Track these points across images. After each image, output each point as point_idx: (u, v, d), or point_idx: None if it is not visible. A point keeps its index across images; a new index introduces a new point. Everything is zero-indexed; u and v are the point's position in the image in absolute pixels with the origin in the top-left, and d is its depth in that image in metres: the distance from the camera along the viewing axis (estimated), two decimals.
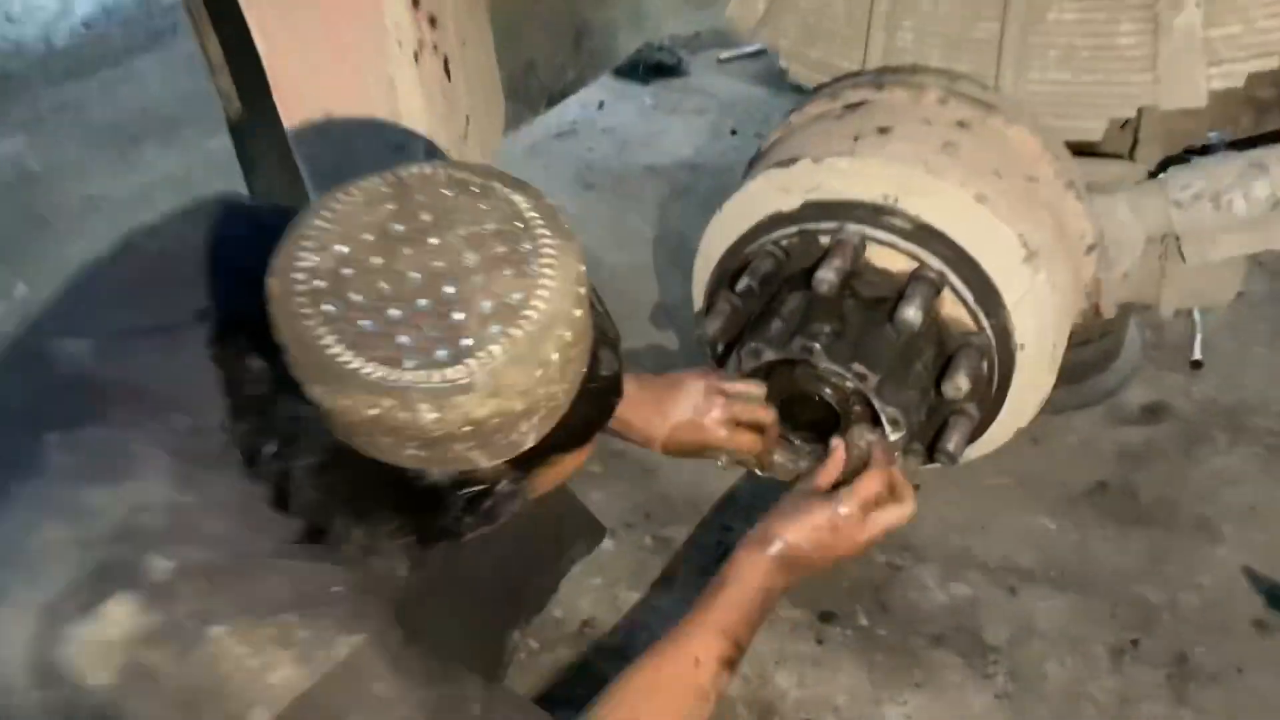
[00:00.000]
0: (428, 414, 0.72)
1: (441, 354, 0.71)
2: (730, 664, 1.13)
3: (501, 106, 1.67)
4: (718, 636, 1.11)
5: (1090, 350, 2.07)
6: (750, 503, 1.96)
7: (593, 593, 1.81)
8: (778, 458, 1.31)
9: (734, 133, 3.14)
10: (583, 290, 0.77)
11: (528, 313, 0.73)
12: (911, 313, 1.16)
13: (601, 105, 3.33)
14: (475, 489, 0.81)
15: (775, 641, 1.72)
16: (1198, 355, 2.18)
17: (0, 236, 2.86)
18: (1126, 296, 1.67)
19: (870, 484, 1.17)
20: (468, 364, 0.72)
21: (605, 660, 1.71)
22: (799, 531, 1.16)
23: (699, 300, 1.45)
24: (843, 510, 1.16)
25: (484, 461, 0.78)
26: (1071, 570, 1.80)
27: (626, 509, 1.96)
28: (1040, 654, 1.68)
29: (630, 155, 3.08)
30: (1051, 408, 1.78)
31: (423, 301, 0.72)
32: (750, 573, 1.16)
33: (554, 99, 2.18)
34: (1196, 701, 1.59)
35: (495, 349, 0.72)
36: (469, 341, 0.72)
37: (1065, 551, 1.83)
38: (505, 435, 0.77)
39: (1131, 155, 1.55)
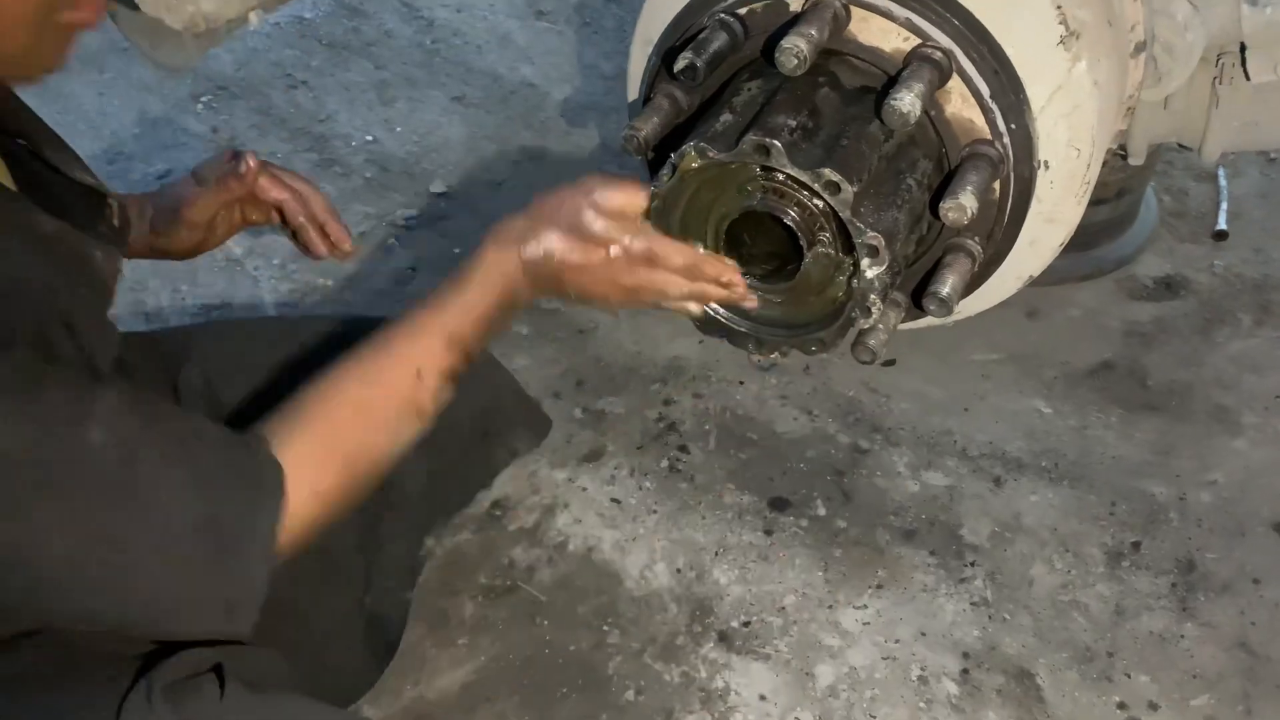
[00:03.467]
0: None
1: None
2: (454, 379, 0.90)
3: None
4: (448, 346, 0.89)
5: (1103, 212, 1.78)
6: (699, 373, 1.68)
7: (508, 468, 1.54)
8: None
9: None
10: None
11: None
12: (907, 102, 0.85)
13: None
14: None
15: (716, 530, 1.47)
16: (1223, 225, 1.91)
17: None
18: (1163, 133, 1.37)
19: (675, 248, 0.90)
20: None
21: (516, 548, 1.45)
22: (571, 248, 0.89)
23: (632, 92, 1.13)
24: (634, 245, 0.88)
25: None
26: (1067, 460, 1.55)
27: (554, 376, 1.69)
28: (1026, 555, 1.44)
29: None
30: (1053, 277, 1.51)
31: None
32: (498, 276, 0.91)
33: None
34: (1204, 614, 1.36)
35: None
36: None
37: (1060, 439, 1.58)
38: None
39: None
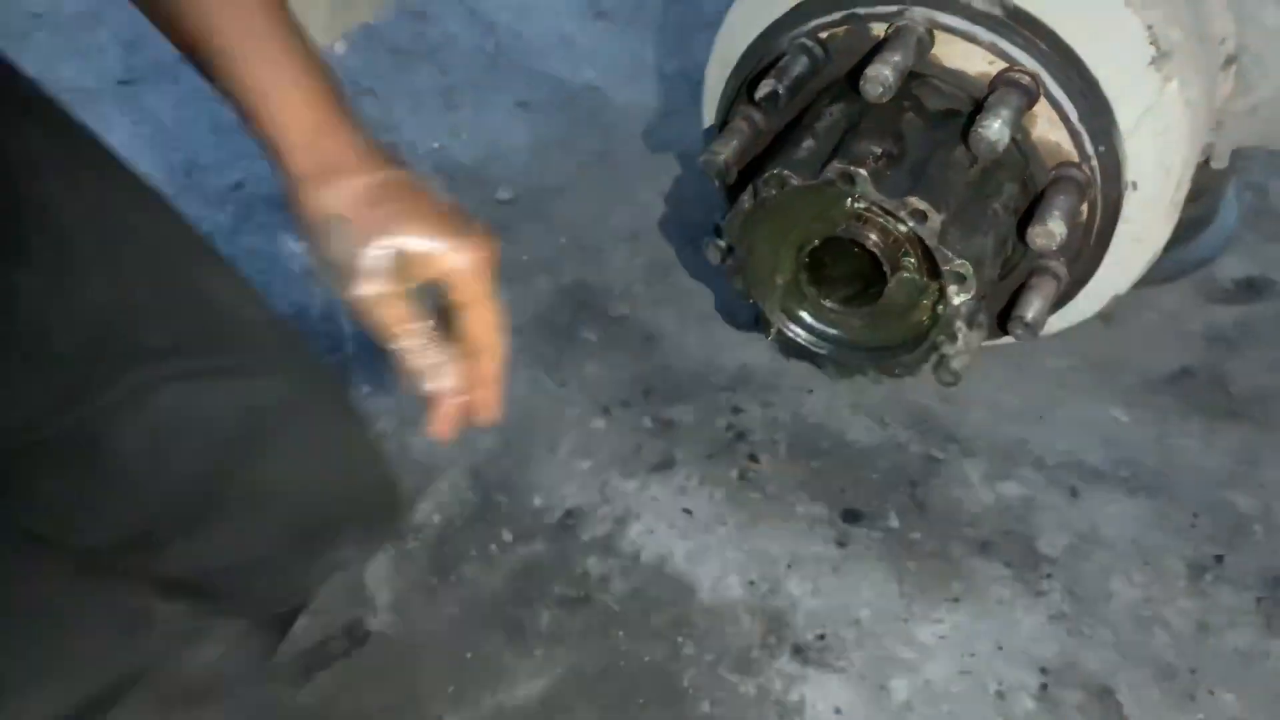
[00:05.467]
0: None
1: None
2: None
3: None
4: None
5: (1184, 212, 1.73)
6: (768, 380, 1.68)
7: (579, 478, 1.56)
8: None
9: None
10: None
11: None
12: (995, 129, 0.84)
13: None
14: None
15: (788, 541, 1.47)
16: None
17: None
18: (1249, 139, 1.34)
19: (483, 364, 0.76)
20: None
21: (590, 557, 1.47)
22: (353, 250, 0.71)
23: (709, 116, 1.13)
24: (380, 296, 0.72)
25: None
26: (1146, 470, 1.52)
27: (623, 383, 1.69)
28: (1105, 568, 1.42)
29: None
30: None
31: None
32: (327, 147, 0.72)
33: None
34: None
35: None
36: None
37: (1139, 448, 1.55)
38: None
39: None
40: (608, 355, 1.74)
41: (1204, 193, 1.76)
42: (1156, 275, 1.81)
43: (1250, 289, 1.78)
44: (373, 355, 1.78)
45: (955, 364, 0.96)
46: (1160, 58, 0.89)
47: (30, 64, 0.82)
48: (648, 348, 1.75)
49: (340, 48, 1.16)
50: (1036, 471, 1.54)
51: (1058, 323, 1.10)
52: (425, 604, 1.41)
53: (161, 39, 0.74)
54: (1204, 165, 1.46)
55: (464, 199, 2.04)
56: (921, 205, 0.84)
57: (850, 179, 0.86)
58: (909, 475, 1.55)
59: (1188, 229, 1.81)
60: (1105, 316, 1.75)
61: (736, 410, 1.65)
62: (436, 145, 2.21)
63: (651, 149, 2.15)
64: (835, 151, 0.88)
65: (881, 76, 0.84)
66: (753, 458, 1.59)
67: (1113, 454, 1.55)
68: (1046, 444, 1.57)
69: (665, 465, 1.58)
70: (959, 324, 0.89)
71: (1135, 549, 1.44)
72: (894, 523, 1.49)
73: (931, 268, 0.89)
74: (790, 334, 1.02)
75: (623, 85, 2.32)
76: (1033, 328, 0.93)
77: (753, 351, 1.72)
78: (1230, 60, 1.06)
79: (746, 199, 0.94)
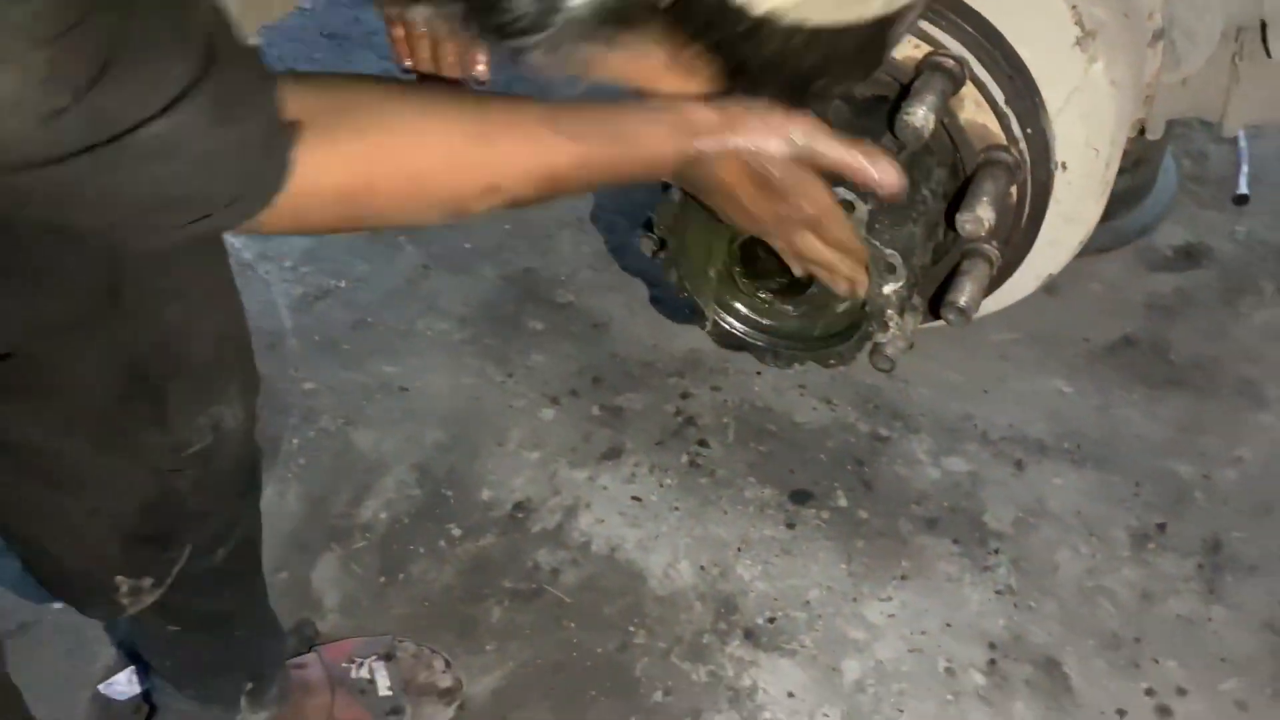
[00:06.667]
0: None
1: None
2: (513, 203, 0.73)
3: None
4: (545, 180, 0.72)
5: (1121, 181, 1.73)
6: (717, 365, 1.67)
7: (527, 470, 1.55)
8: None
9: None
10: None
11: None
12: (920, 115, 0.83)
13: None
14: None
15: (737, 525, 1.47)
16: (1244, 189, 1.87)
17: None
18: (1182, 110, 1.34)
19: (844, 230, 0.81)
20: None
21: (541, 550, 1.46)
22: (744, 188, 0.77)
23: None
24: (809, 209, 0.78)
25: None
26: (1090, 442, 1.54)
27: (571, 372, 1.68)
28: (1051, 541, 1.43)
29: None
30: None
31: None
32: (652, 153, 0.76)
33: None
34: (1232, 596, 1.36)
35: None
36: None
37: (1083, 420, 1.57)
38: None
39: None
40: (555, 344, 1.73)
41: (1141, 163, 1.77)
42: (1096, 245, 1.82)
43: (1189, 257, 1.80)
44: (313, 351, 1.75)
45: (889, 350, 0.96)
46: (1085, 38, 0.88)
47: None
48: (595, 335, 1.74)
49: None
50: (982, 446, 1.55)
51: (993, 304, 1.10)
52: (374, 604, 1.40)
53: None
54: (1139, 136, 1.47)
55: None
56: (849, 195, 0.83)
57: None
58: (856, 454, 1.55)
59: (1126, 198, 1.82)
60: (1048, 289, 1.77)
61: (685, 396, 1.65)
62: None
63: None
64: None
65: None
66: (702, 443, 1.58)
67: (1056, 426, 1.57)
68: (991, 418, 1.58)
69: (614, 453, 1.58)
70: (890, 313, 0.88)
71: (1080, 520, 1.45)
72: (842, 502, 1.50)
73: None
74: (726, 326, 1.01)
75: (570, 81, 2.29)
76: (965, 312, 0.93)
77: (701, 336, 1.69)
78: (1159, 35, 1.06)
79: (676, 190, 0.92)
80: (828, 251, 0.85)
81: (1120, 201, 1.80)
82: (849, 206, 0.85)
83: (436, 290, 1.82)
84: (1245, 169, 1.89)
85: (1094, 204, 0.98)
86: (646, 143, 0.76)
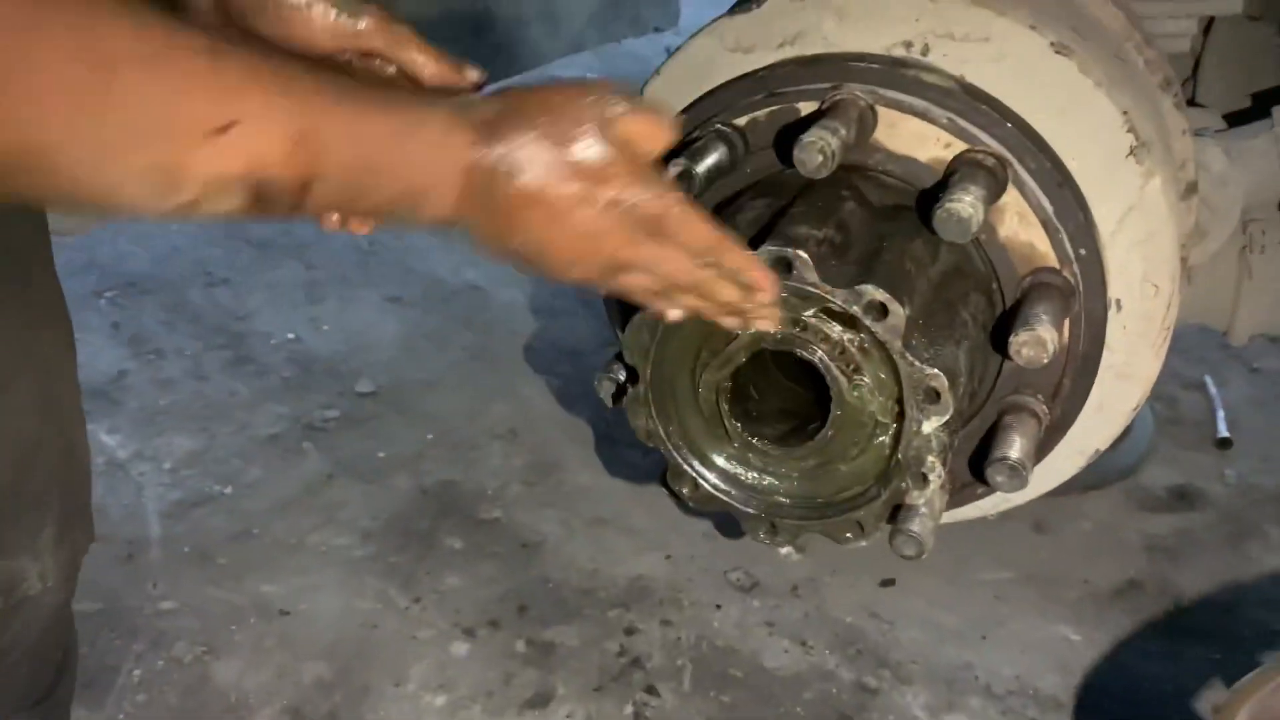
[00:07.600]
0: None
1: None
2: (258, 182, 0.51)
3: None
4: (300, 139, 0.51)
5: None
6: (669, 594, 1.41)
7: (431, 718, 1.23)
8: None
9: None
10: None
11: None
12: (967, 204, 0.67)
13: None
14: None
15: None
16: (1224, 432, 1.77)
17: None
18: (1189, 314, 1.23)
19: (699, 219, 0.61)
20: None
21: None
22: (550, 174, 0.58)
23: None
24: (642, 199, 0.59)
25: None
26: (1111, 699, 1.28)
27: (493, 599, 1.40)
28: None
29: None
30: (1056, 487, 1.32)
31: None
32: (425, 149, 0.58)
33: None
34: None
35: None
36: None
37: (1099, 672, 1.32)
38: None
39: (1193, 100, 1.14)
40: (475, 565, 1.45)
41: None
42: (1081, 482, 1.67)
43: (1182, 499, 1.65)
44: (180, 564, 1.45)
45: (917, 527, 0.74)
46: (1140, 148, 0.75)
47: None
48: (524, 556, 1.48)
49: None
50: (986, 701, 1.29)
51: (1017, 496, 0.89)
52: None
53: None
54: None
55: (318, 391, 1.82)
56: (881, 296, 0.65)
57: (787, 264, 0.67)
58: (840, 709, 1.27)
59: None
60: (1037, 526, 1.59)
61: (630, 631, 1.37)
62: (291, 336, 1.97)
63: (537, 348, 1.97)
64: (764, 236, 0.70)
65: (821, 142, 0.67)
66: (650, 690, 1.29)
67: (1070, 680, 1.32)
68: (993, 668, 1.33)
69: (541, 700, 1.27)
70: (931, 460, 0.67)
71: None
72: None
73: (890, 388, 0.69)
74: (709, 487, 0.78)
75: (506, 285, 2.17)
76: (1019, 470, 0.73)
77: (650, 561, 1.46)
78: (1192, 188, 0.96)
79: (643, 323, 0.73)
80: (690, 263, 0.62)
81: None
82: (880, 310, 0.66)
83: (339, 501, 1.56)
84: (1221, 413, 1.82)
85: (1152, 358, 0.81)
86: (424, 118, 0.58)
